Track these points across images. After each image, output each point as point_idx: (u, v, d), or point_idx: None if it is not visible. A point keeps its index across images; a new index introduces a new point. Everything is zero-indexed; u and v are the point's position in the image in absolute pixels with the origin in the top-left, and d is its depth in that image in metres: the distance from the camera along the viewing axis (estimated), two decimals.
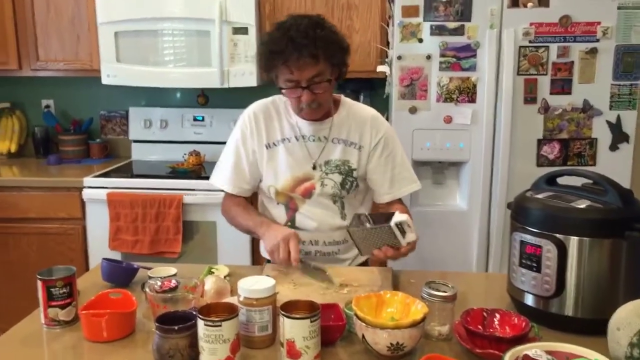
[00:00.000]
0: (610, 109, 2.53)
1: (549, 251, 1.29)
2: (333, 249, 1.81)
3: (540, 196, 1.40)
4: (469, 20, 2.49)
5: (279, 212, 1.81)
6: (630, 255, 1.29)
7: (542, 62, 2.51)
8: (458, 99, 2.55)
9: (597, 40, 2.48)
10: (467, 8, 2.48)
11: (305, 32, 1.56)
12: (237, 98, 3.31)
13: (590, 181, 1.40)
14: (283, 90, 1.66)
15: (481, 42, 2.50)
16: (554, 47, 2.49)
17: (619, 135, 2.55)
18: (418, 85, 2.54)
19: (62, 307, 1.31)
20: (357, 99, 2.91)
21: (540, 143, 2.58)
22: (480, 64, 2.52)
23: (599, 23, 2.46)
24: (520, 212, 1.40)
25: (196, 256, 2.81)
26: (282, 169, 1.76)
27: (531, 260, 1.33)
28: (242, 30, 2.89)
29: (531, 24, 2.47)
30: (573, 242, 1.28)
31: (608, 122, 2.55)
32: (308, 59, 1.57)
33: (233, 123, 3.23)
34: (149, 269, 1.58)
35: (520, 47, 2.49)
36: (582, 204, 1.32)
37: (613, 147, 2.56)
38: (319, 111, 1.71)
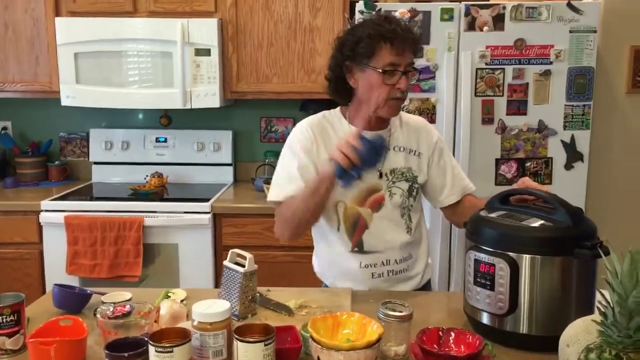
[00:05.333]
0: (565, 129, 2.61)
1: (502, 269, 1.31)
2: (403, 266, 1.78)
3: (493, 215, 1.42)
4: (428, 43, 2.55)
5: (342, 239, 1.73)
6: (581, 273, 1.31)
7: (498, 83, 2.57)
8: None
9: (551, 63, 2.56)
10: (426, 31, 2.53)
11: (404, 23, 1.66)
12: (199, 119, 3.30)
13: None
14: (381, 77, 1.61)
15: (440, 64, 2.56)
16: (509, 69, 2.56)
17: (573, 155, 2.62)
18: None
19: (10, 335, 1.26)
20: None
21: (498, 162, 2.63)
22: (439, 86, 2.57)
23: (552, 46, 2.54)
24: (474, 231, 1.42)
25: (157, 279, 2.76)
26: None
27: (485, 278, 1.34)
28: (204, 52, 2.90)
29: (487, 47, 2.54)
30: (525, 260, 1.30)
31: (563, 142, 2.62)
32: (409, 44, 1.62)
33: (196, 144, 3.27)
34: (104, 294, 1.54)
35: (477, 69, 2.56)
36: (534, 223, 1.35)
37: (568, 166, 2.63)
38: (400, 105, 1.70)
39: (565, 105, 2.59)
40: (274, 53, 3.00)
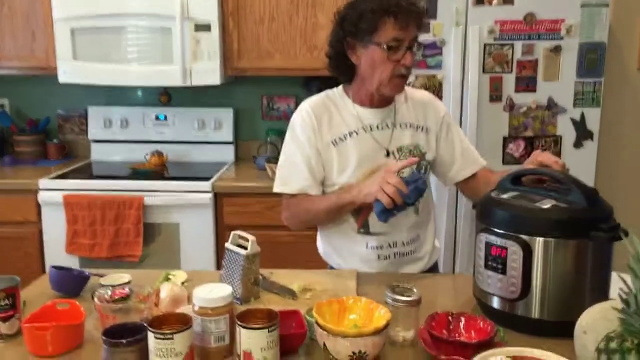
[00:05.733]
0: (575, 106, 2.54)
1: (515, 252, 1.26)
2: (411, 247, 1.73)
3: (505, 196, 1.37)
4: (434, 17, 2.47)
5: (347, 221, 1.69)
6: (596, 256, 1.26)
7: (507, 60, 2.50)
8: None
9: (561, 38, 2.48)
10: (433, 5, 2.46)
11: None
12: (200, 96, 3.24)
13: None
14: (385, 53, 1.55)
15: (447, 39, 2.48)
16: (518, 45, 2.49)
17: (583, 133, 2.56)
18: None
19: (4, 319, 1.22)
20: None
21: (505, 141, 2.57)
22: (446, 62, 2.50)
23: (562, 20, 2.46)
24: (485, 213, 1.36)
25: (158, 259, 2.73)
26: (355, 163, 1.64)
27: (497, 262, 1.29)
28: (204, 27, 2.82)
29: (496, 22, 2.46)
30: (538, 243, 1.25)
31: (572, 120, 2.55)
32: (413, 17, 1.55)
33: (197, 122, 3.21)
34: (103, 275, 1.50)
35: (485, 44, 2.48)
36: (547, 204, 1.30)
37: (577, 144, 2.57)
38: (405, 83, 1.65)
39: (576, 81, 2.52)
40: (275, 28, 2.92)
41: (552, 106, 2.54)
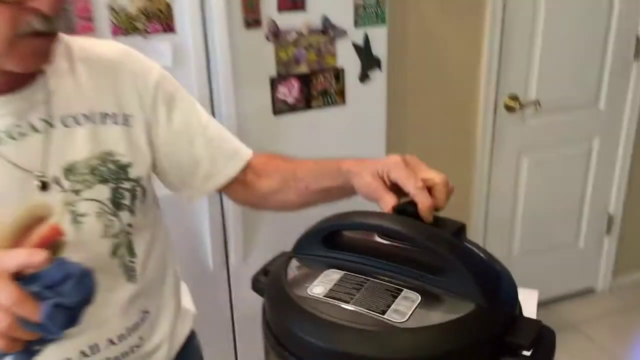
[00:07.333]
0: (356, 26, 1.89)
1: None
2: (132, 341, 0.93)
3: (318, 290, 0.65)
4: None
5: None
6: None
7: None
8: (147, 28, 1.63)
9: None
10: None
11: None
12: None
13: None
14: None
15: None
16: None
17: (369, 61, 1.95)
18: (74, 11, 1.54)
19: None
20: None
21: (274, 83, 1.84)
22: None
23: None
24: (286, 332, 0.63)
25: None
26: None
27: None
28: None
29: None
30: None
31: (355, 45, 1.92)
32: None
33: None
34: None
35: None
36: (406, 311, 0.61)
37: (363, 77, 1.96)
38: (50, 47, 0.76)
39: None
40: None
41: (328, 29, 1.86)
